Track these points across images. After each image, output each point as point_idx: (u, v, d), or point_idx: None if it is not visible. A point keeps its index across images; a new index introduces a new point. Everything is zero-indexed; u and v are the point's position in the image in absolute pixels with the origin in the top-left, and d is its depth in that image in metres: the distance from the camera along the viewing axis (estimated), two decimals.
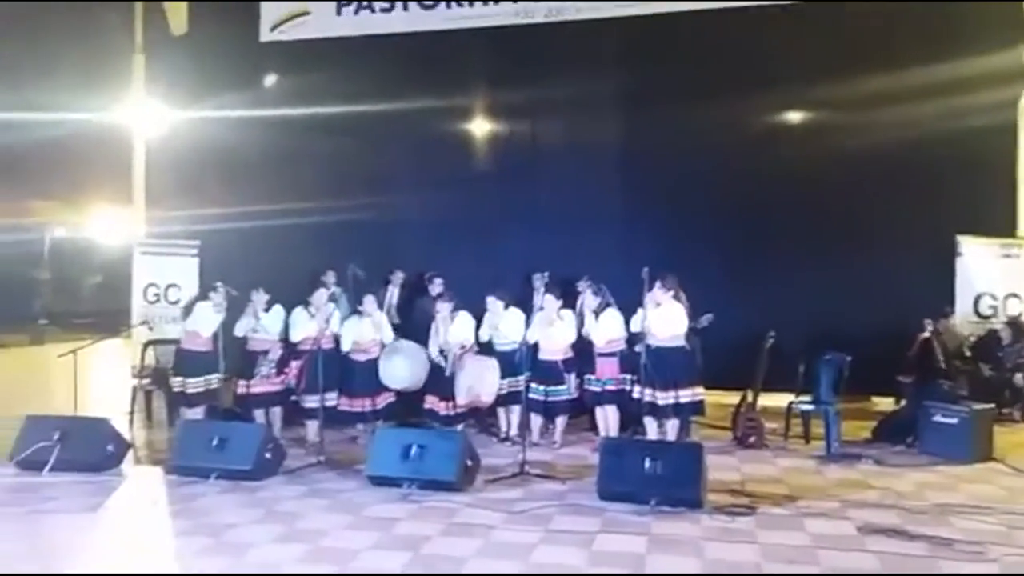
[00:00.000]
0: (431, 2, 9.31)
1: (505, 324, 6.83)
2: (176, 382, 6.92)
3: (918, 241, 7.93)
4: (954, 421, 6.23)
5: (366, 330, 6.97)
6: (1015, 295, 7.89)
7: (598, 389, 6.62)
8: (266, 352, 6.92)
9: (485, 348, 6.98)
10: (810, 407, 6.83)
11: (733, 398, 7.07)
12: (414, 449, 5.38)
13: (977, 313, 7.85)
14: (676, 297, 6.36)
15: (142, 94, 10.61)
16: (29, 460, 5.81)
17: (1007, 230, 7.95)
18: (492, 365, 6.69)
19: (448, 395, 6.74)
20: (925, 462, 6.14)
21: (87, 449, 5.85)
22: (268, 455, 5.78)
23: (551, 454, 6.52)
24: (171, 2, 10.15)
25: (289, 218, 9.03)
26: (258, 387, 6.87)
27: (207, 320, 6.84)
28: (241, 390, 6.88)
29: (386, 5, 9.42)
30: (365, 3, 9.47)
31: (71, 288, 20.31)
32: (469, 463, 5.48)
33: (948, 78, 7.74)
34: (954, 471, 5.88)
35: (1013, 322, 7.75)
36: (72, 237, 20.27)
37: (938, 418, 6.32)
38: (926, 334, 7.04)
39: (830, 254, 8.08)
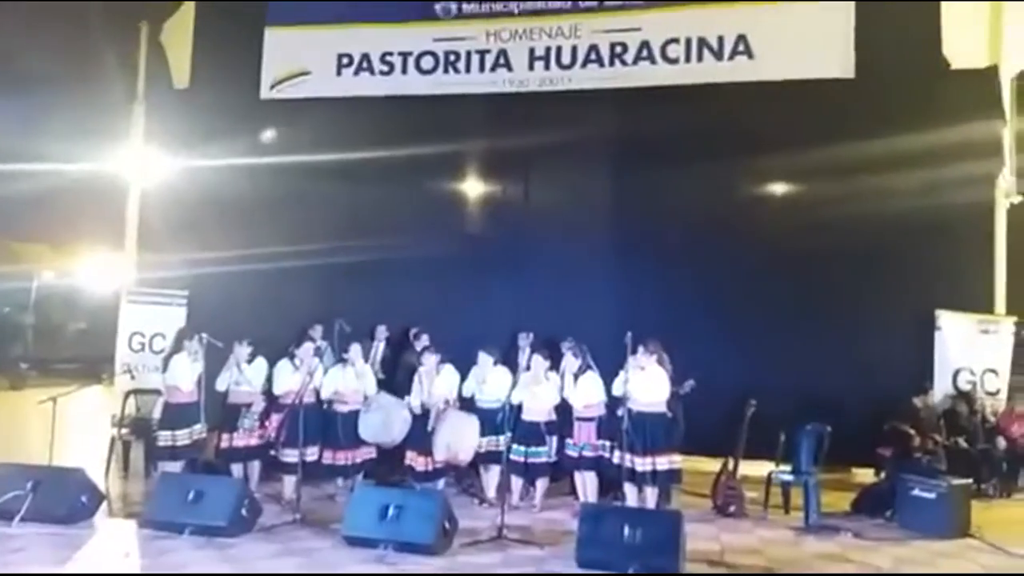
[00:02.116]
0: (429, 68, 9.56)
1: (492, 380, 6.84)
2: (164, 436, 6.81)
3: (898, 314, 8.03)
4: (932, 496, 6.24)
5: (349, 379, 6.96)
6: (992, 371, 7.96)
7: (575, 454, 6.61)
8: (249, 405, 6.89)
9: (468, 404, 6.98)
10: (790, 477, 6.82)
11: (714, 465, 7.06)
12: (391, 510, 5.33)
13: (956, 388, 7.89)
14: (660, 362, 6.41)
15: (140, 144, 10.75)
16: (0, 509, 5.71)
17: (985, 306, 8.07)
18: (472, 423, 6.68)
19: (428, 450, 6.71)
20: (903, 536, 6.13)
21: (60, 500, 5.77)
22: (244, 511, 5.71)
23: (530, 518, 6.47)
24: (174, 56, 10.40)
25: (278, 267, 9.07)
26: (240, 440, 6.83)
27: (185, 372, 6.82)
28: (224, 443, 6.83)
29: (385, 68, 9.66)
30: (364, 66, 9.71)
31: (55, 333, 20.22)
32: (447, 526, 5.43)
33: (929, 154, 7.91)
34: (931, 546, 5.87)
35: (964, 395, 7.81)
36: (60, 283, 20.27)
37: (916, 492, 6.33)
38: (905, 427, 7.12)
39: (812, 324, 8.15)
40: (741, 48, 8.78)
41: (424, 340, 7.77)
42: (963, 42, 8.27)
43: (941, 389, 7.85)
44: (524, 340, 7.79)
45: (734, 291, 8.35)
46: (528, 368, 6.83)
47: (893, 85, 8.20)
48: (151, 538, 5.51)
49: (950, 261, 7.98)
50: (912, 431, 7.08)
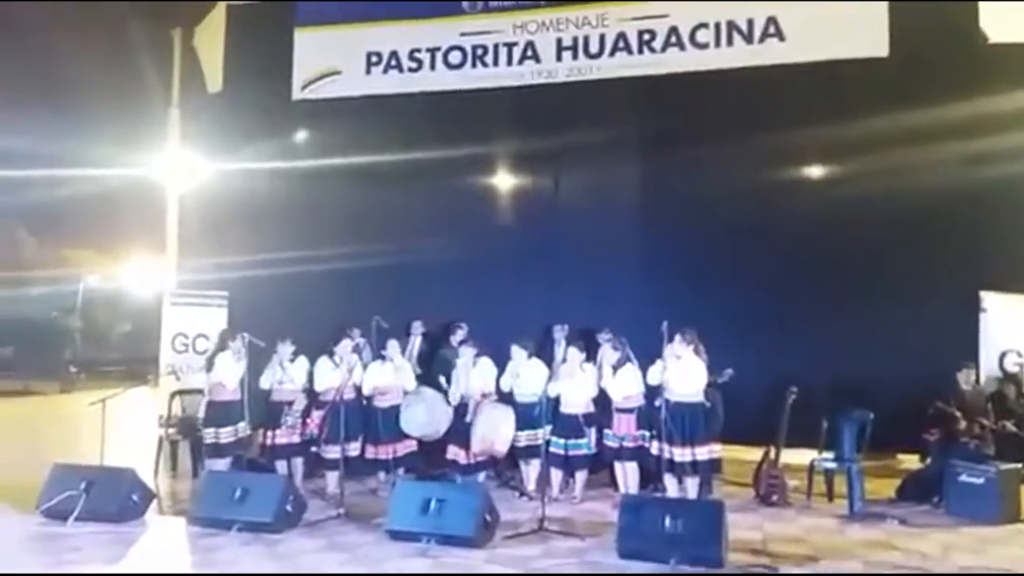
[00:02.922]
0: (457, 63, 9.57)
1: (526, 374, 6.86)
2: (209, 433, 6.94)
3: (941, 296, 7.86)
4: (980, 481, 6.13)
5: (387, 375, 7.04)
6: None
7: (615, 445, 6.60)
8: (291, 403, 7.01)
9: (505, 399, 7.01)
10: (833, 464, 6.75)
11: (755, 454, 7.01)
12: (433, 503, 5.39)
13: (1003, 370, 7.71)
14: (696, 351, 6.37)
15: (177, 148, 10.95)
16: (55, 509, 5.89)
17: None
18: (508, 414, 6.72)
19: (469, 444, 6.76)
20: (951, 523, 6.04)
21: (111, 499, 5.93)
22: (289, 507, 5.82)
23: (571, 510, 6.49)
24: (207, 60, 10.56)
25: (317, 266, 9.20)
26: (283, 437, 6.95)
27: (229, 370, 6.94)
28: (269, 441, 6.97)
29: (413, 65, 9.69)
30: (393, 63, 9.76)
31: (101, 336, 20.73)
32: (488, 518, 5.47)
33: (969, 131, 7.72)
34: (981, 532, 5.77)
35: (1011, 377, 7.62)
36: (105, 286, 20.76)
37: (964, 477, 6.23)
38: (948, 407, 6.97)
39: (852, 308, 8.01)
40: (772, 30, 8.63)
41: (460, 334, 7.83)
42: (1001, 14, 8.03)
43: (987, 371, 7.68)
44: (560, 332, 7.80)
45: (771, 276, 8.25)
46: (564, 360, 6.84)
47: (929, 61, 7.99)
48: (200, 535, 5.64)
49: (993, 240, 7.80)
50: (958, 413, 6.93)
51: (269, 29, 10.21)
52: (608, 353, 6.70)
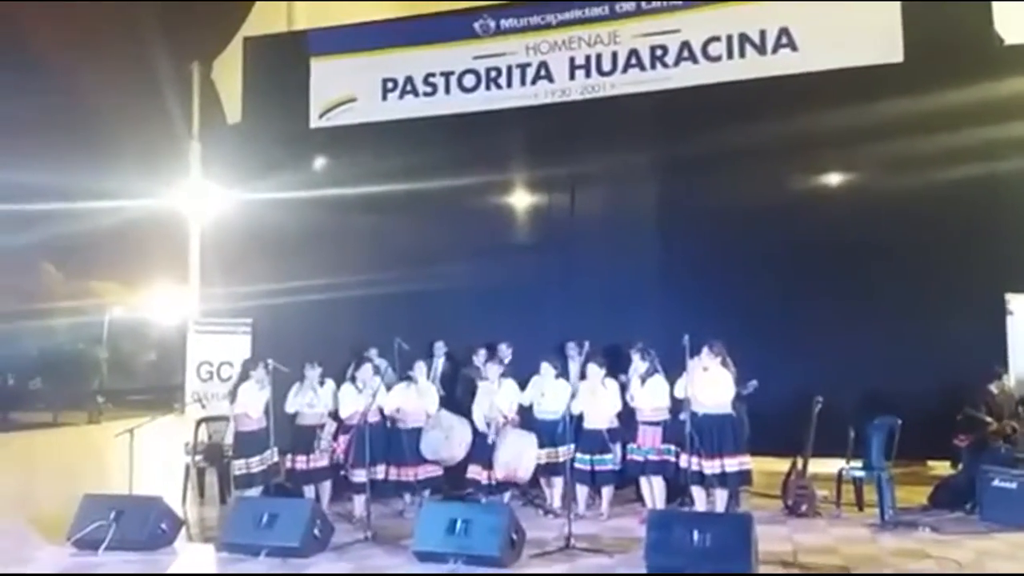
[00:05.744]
0: (471, 86, 9.67)
1: (552, 392, 6.85)
2: (239, 464, 6.94)
3: (967, 299, 7.77)
4: (1014, 486, 6.04)
5: (411, 397, 7.06)
6: None
7: (640, 459, 6.55)
8: (322, 426, 7.04)
9: (527, 416, 6.99)
10: (862, 473, 6.68)
11: (782, 465, 6.94)
12: (459, 524, 5.38)
13: None
14: (724, 363, 6.34)
15: (198, 179, 11.13)
16: (86, 539, 5.94)
17: None
18: (531, 442, 6.69)
19: (491, 464, 6.75)
20: (985, 529, 5.94)
21: (141, 527, 5.96)
22: (316, 532, 5.82)
23: (598, 526, 6.45)
24: (226, 93, 10.76)
25: (338, 292, 9.27)
26: (313, 462, 6.99)
27: (252, 399, 6.97)
28: (301, 466, 6.99)
29: (428, 90, 9.82)
30: (409, 89, 9.88)
31: (127, 366, 21.00)
32: (514, 537, 5.46)
33: (988, 134, 7.66)
34: (1017, 538, 5.67)
35: None
36: (130, 316, 21.05)
37: (997, 483, 6.14)
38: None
39: (877, 314, 7.96)
40: (784, 41, 8.65)
41: (483, 354, 7.85)
42: (1015, 15, 7.99)
43: (1016, 374, 7.57)
44: (573, 349, 7.72)
45: (792, 285, 8.20)
46: (583, 377, 6.81)
47: (945, 64, 7.95)
48: (228, 561, 5.67)
49: (1017, 242, 7.72)
50: (988, 418, 6.83)
51: (285, 60, 10.40)
52: (637, 363, 6.65)
